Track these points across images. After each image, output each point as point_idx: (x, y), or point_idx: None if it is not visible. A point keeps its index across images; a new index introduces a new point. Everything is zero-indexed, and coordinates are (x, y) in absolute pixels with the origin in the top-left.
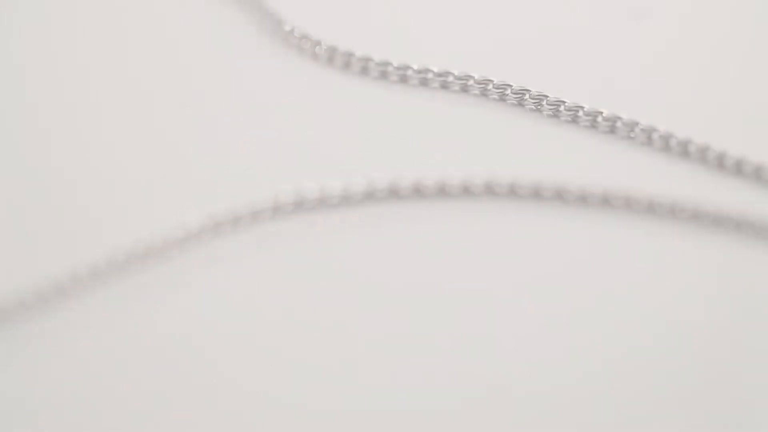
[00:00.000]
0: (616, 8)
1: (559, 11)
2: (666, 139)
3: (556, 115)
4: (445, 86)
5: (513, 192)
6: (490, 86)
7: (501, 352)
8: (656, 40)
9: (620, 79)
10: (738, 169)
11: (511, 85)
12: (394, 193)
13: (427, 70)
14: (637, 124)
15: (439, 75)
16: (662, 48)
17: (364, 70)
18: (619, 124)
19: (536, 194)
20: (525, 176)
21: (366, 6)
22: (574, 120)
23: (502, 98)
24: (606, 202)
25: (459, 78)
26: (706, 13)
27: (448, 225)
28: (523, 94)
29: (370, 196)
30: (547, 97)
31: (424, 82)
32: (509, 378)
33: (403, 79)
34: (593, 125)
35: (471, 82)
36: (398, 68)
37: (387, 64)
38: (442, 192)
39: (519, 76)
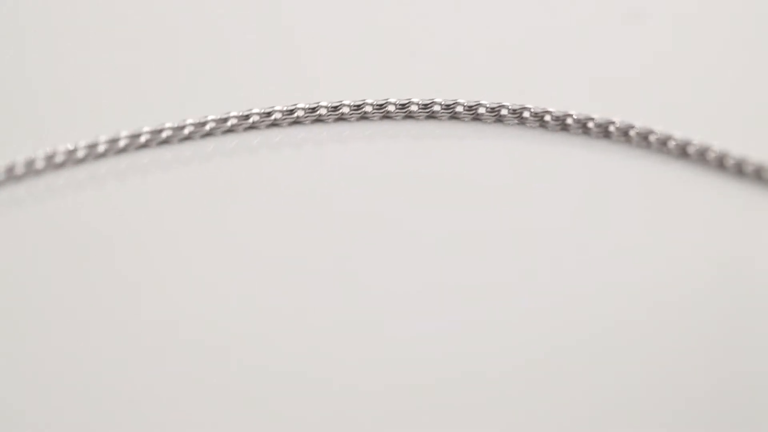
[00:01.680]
0: (615, 10)
1: (558, 12)
2: (665, 140)
3: (555, 122)
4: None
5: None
6: (482, 110)
7: None
8: (656, 41)
9: (620, 79)
10: (738, 169)
11: (507, 105)
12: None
13: (410, 102)
14: (632, 126)
15: (425, 107)
16: (661, 48)
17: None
18: (611, 128)
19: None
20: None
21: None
22: (563, 128)
23: (499, 119)
24: None
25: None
26: (705, 13)
27: None
28: (522, 112)
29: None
30: (550, 111)
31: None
32: None
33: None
34: (584, 131)
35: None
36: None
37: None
38: None
39: (518, 78)
